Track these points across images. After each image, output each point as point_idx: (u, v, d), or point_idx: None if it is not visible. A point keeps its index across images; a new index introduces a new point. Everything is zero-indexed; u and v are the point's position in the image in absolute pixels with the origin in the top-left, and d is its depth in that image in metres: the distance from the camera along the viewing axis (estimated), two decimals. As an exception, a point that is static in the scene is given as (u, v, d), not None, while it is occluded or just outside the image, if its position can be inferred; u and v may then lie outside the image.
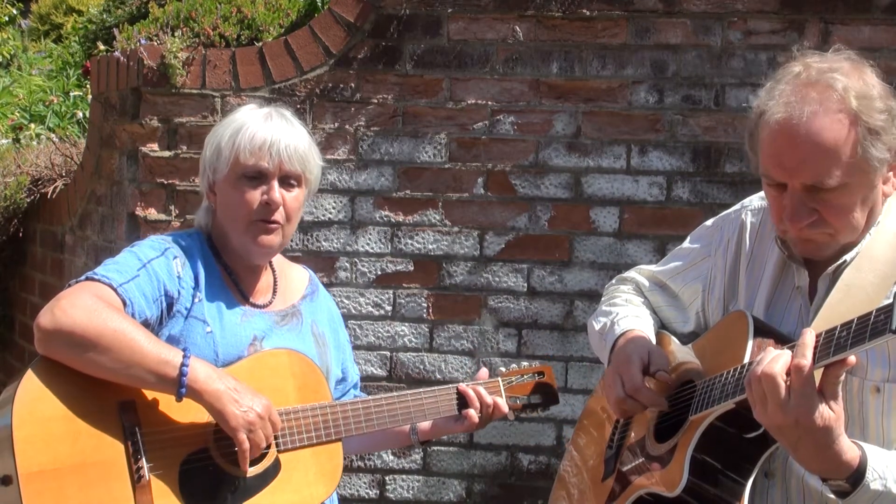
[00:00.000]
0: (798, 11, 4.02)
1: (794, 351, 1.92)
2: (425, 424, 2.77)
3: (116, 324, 2.31)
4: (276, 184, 2.55)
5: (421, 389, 2.70)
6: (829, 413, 1.90)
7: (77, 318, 2.29)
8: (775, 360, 1.93)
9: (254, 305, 2.62)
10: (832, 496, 2.05)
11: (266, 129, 2.56)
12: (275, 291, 2.68)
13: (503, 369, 2.88)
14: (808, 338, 1.91)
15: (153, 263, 2.48)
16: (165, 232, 2.96)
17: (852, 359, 1.88)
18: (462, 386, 2.72)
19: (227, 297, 2.58)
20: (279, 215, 2.55)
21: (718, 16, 4.06)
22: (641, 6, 4.08)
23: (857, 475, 1.95)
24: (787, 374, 1.91)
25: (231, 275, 2.61)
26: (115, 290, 2.38)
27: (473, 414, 2.70)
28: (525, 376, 2.87)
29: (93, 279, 2.40)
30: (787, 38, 4.02)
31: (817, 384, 1.90)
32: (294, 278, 2.76)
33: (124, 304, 2.39)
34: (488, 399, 2.72)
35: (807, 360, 1.89)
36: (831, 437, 1.91)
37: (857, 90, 2.04)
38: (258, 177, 2.55)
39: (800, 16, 4.02)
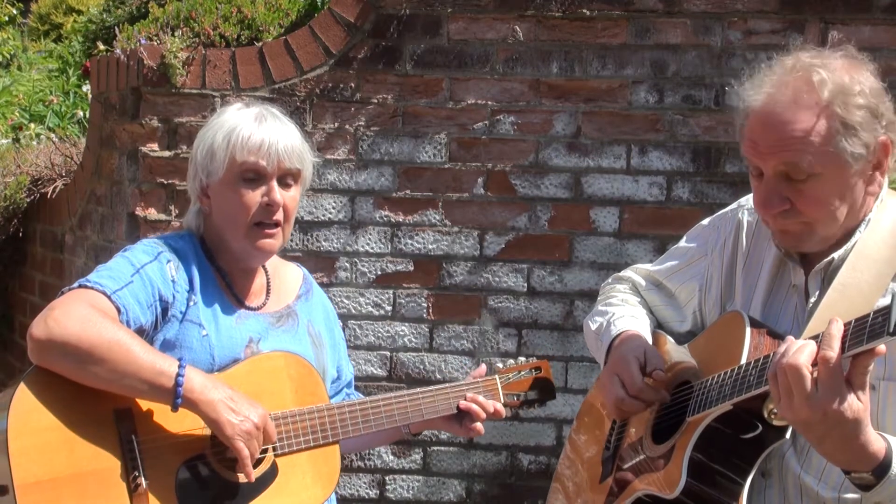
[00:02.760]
0: (798, 11, 4.02)
1: (821, 342, 1.87)
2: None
3: (111, 334, 2.28)
4: (275, 184, 2.53)
5: (418, 389, 2.68)
6: (858, 404, 1.86)
7: (70, 328, 2.26)
8: (800, 351, 1.88)
9: (247, 308, 2.61)
10: (845, 496, 2.04)
11: (261, 129, 2.54)
12: (268, 293, 2.67)
13: (500, 365, 2.84)
14: (835, 328, 1.86)
15: (147, 268, 2.45)
16: (164, 232, 2.94)
17: (882, 348, 1.83)
18: (463, 404, 2.67)
19: (221, 299, 2.56)
20: (279, 215, 2.54)
21: (718, 16, 4.06)
22: (641, 6, 4.07)
23: (881, 467, 1.92)
24: (814, 364, 1.86)
25: (224, 277, 2.59)
26: (108, 297, 2.36)
27: (480, 427, 2.69)
28: (522, 372, 2.84)
29: (86, 286, 2.36)
30: (787, 38, 4.01)
31: (845, 374, 1.85)
32: (288, 278, 2.74)
33: (119, 311, 2.36)
34: (490, 408, 2.70)
35: (833, 351, 1.84)
36: (860, 428, 1.88)
37: (835, 83, 2.06)
38: (257, 178, 2.53)
39: (800, 16, 4.02)
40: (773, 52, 4.10)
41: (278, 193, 2.53)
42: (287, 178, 2.57)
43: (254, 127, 2.54)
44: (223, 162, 2.53)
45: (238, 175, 2.53)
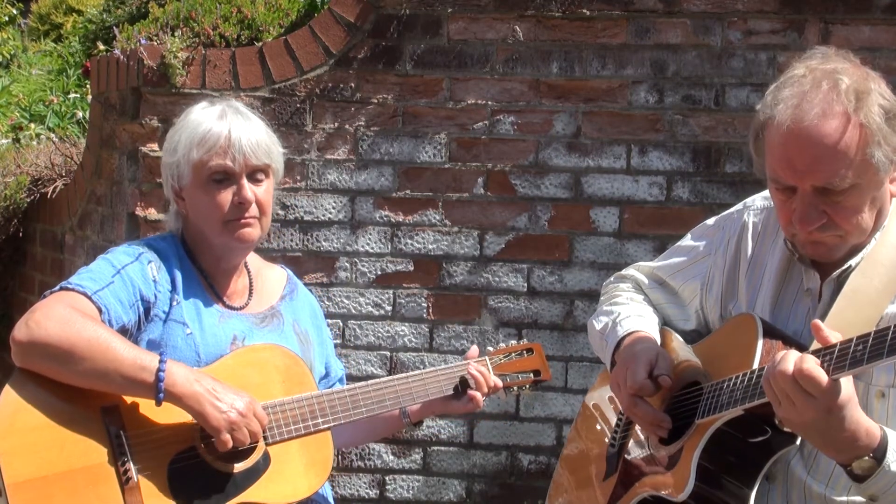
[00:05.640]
0: (798, 11, 4.02)
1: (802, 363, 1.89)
2: (415, 406, 2.75)
3: (91, 332, 2.30)
4: (244, 182, 2.55)
5: (408, 374, 2.69)
6: (848, 388, 1.89)
7: (51, 329, 2.28)
8: (786, 360, 1.91)
9: (230, 307, 2.62)
10: (854, 498, 2.05)
11: (224, 128, 2.54)
12: (251, 293, 2.68)
13: (490, 348, 2.85)
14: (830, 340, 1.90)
15: (127, 269, 2.47)
16: (163, 232, 2.95)
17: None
18: (471, 369, 2.70)
19: (204, 299, 2.58)
20: (253, 211, 2.55)
21: (718, 16, 4.06)
22: (641, 6, 4.07)
23: (880, 448, 1.94)
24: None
25: (206, 277, 2.61)
26: (89, 297, 2.38)
27: (480, 397, 2.70)
28: (513, 354, 2.84)
29: (67, 288, 2.40)
30: (787, 38, 4.02)
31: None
32: (271, 279, 2.76)
33: (100, 311, 2.38)
34: (491, 381, 2.72)
35: (823, 378, 1.86)
36: (852, 407, 1.91)
37: (861, 90, 2.05)
38: (226, 178, 2.54)
39: (800, 16, 4.02)
40: (773, 52, 4.12)
41: (249, 191, 2.55)
42: (257, 173, 2.58)
43: (217, 127, 2.54)
44: (191, 165, 2.55)
45: (207, 177, 2.54)
